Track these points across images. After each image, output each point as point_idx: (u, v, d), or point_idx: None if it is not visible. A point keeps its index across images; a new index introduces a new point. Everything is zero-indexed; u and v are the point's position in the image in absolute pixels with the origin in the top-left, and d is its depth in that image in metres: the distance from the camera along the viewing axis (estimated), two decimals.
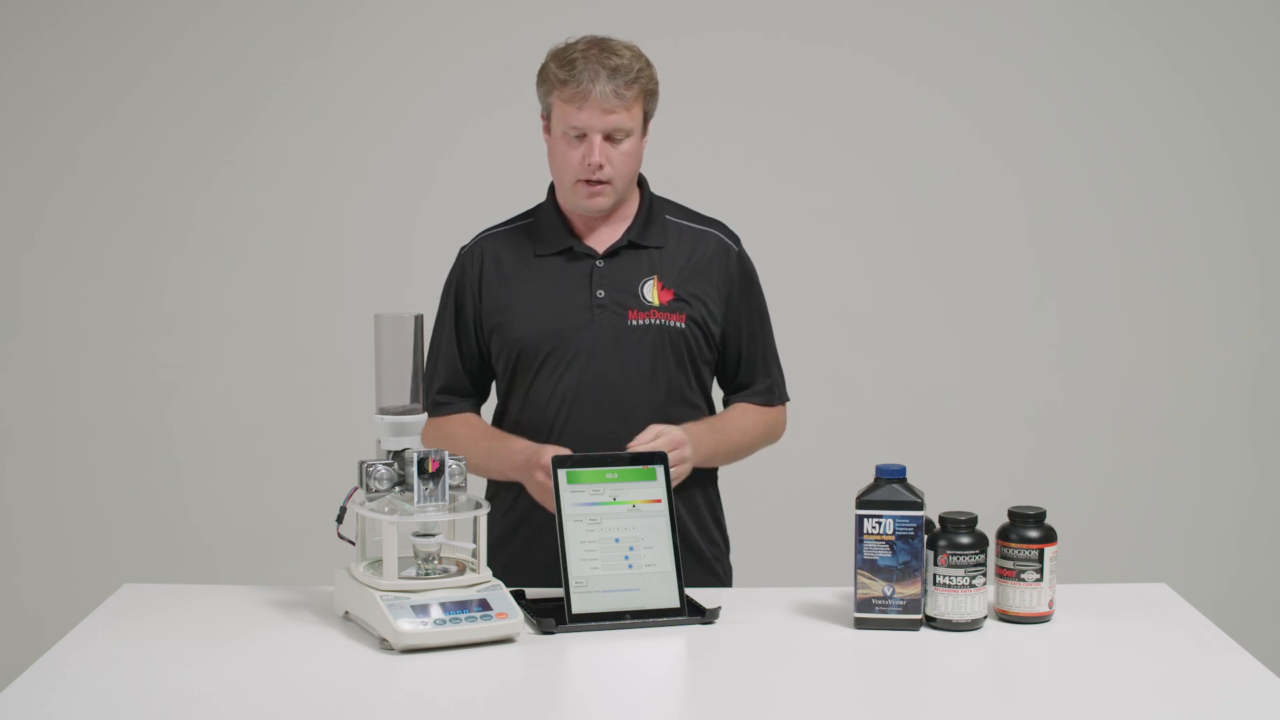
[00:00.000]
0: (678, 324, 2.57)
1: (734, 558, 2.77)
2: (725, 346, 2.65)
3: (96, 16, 4.19)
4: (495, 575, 2.60)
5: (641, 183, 2.66)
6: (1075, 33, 4.23)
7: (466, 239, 2.72)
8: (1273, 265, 4.28)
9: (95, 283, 4.24)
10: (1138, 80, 4.23)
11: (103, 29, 4.19)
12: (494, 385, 2.71)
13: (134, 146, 4.22)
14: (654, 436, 2.45)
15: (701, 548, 2.65)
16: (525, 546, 2.58)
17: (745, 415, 2.67)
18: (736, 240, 2.68)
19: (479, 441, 2.61)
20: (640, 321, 2.57)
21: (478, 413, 2.71)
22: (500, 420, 2.67)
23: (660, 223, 2.63)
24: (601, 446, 2.46)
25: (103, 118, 4.21)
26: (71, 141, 4.22)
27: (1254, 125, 4.25)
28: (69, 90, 4.20)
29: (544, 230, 2.63)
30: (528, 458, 2.48)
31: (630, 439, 2.47)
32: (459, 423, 2.66)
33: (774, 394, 2.71)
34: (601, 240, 2.61)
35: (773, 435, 2.73)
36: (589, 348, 2.56)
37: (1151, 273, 4.27)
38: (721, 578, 2.71)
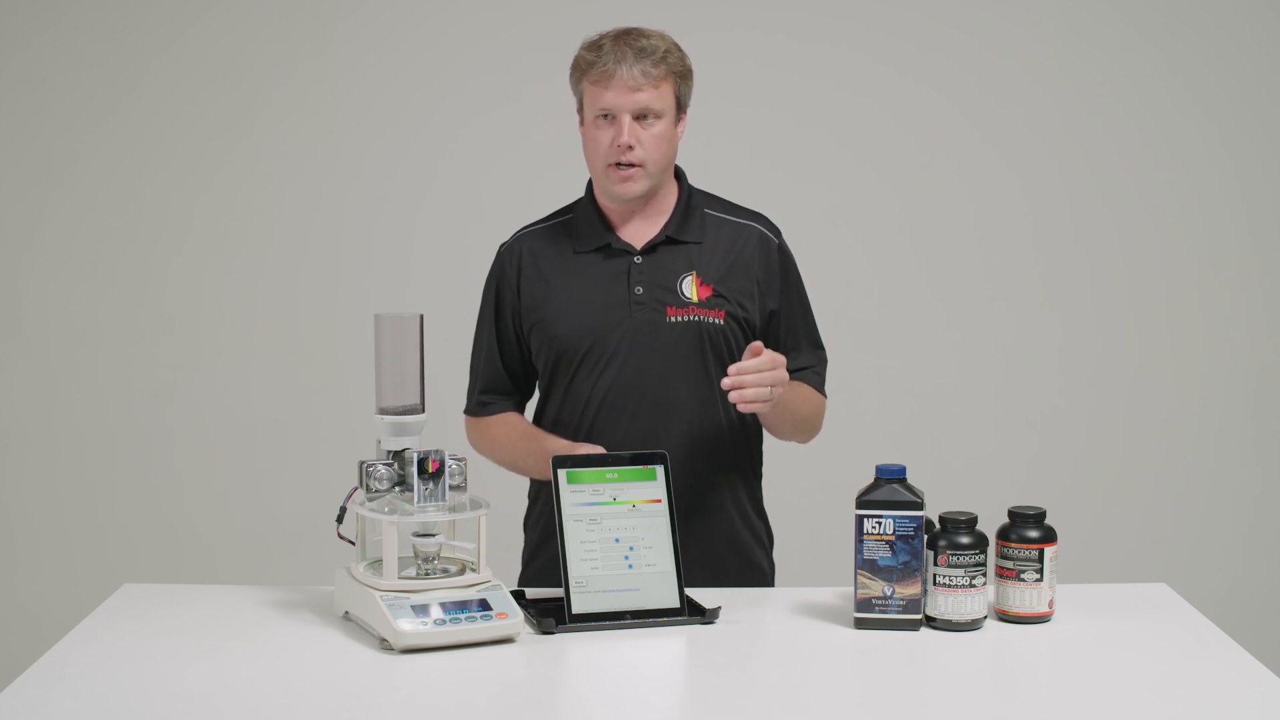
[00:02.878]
0: (716, 321, 2.55)
1: None
2: (768, 340, 2.60)
3: (96, 16, 4.19)
4: (533, 577, 2.65)
5: (680, 176, 2.65)
6: (1074, 33, 4.23)
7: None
8: (1274, 265, 4.28)
9: (95, 283, 4.24)
10: (1137, 81, 4.23)
11: (103, 29, 4.19)
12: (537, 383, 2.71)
13: (134, 147, 4.22)
14: (762, 353, 2.38)
15: (746, 544, 2.65)
16: (554, 561, 2.54)
17: (802, 387, 2.62)
18: (778, 233, 2.65)
19: (518, 441, 2.62)
20: (679, 318, 2.55)
21: (521, 411, 2.71)
22: (540, 418, 2.67)
23: (699, 217, 2.61)
24: (640, 444, 2.46)
25: (103, 118, 4.21)
26: (71, 142, 4.22)
27: (1254, 125, 4.25)
28: (69, 90, 4.20)
29: (581, 226, 2.62)
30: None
31: (669, 437, 2.50)
32: (500, 423, 2.67)
33: (822, 380, 2.68)
34: (639, 235, 2.59)
35: (815, 423, 2.68)
36: (628, 345, 2.55)
37: (1153, 274, 4.27)
38: (767, 573, 2.70)
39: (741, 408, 2.39)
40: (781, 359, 2.42)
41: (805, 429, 2.66)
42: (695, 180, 2.69)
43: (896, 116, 4.23)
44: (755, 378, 2.37)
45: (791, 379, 2.60)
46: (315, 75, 4.22)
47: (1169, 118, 4.24)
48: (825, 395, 2.69)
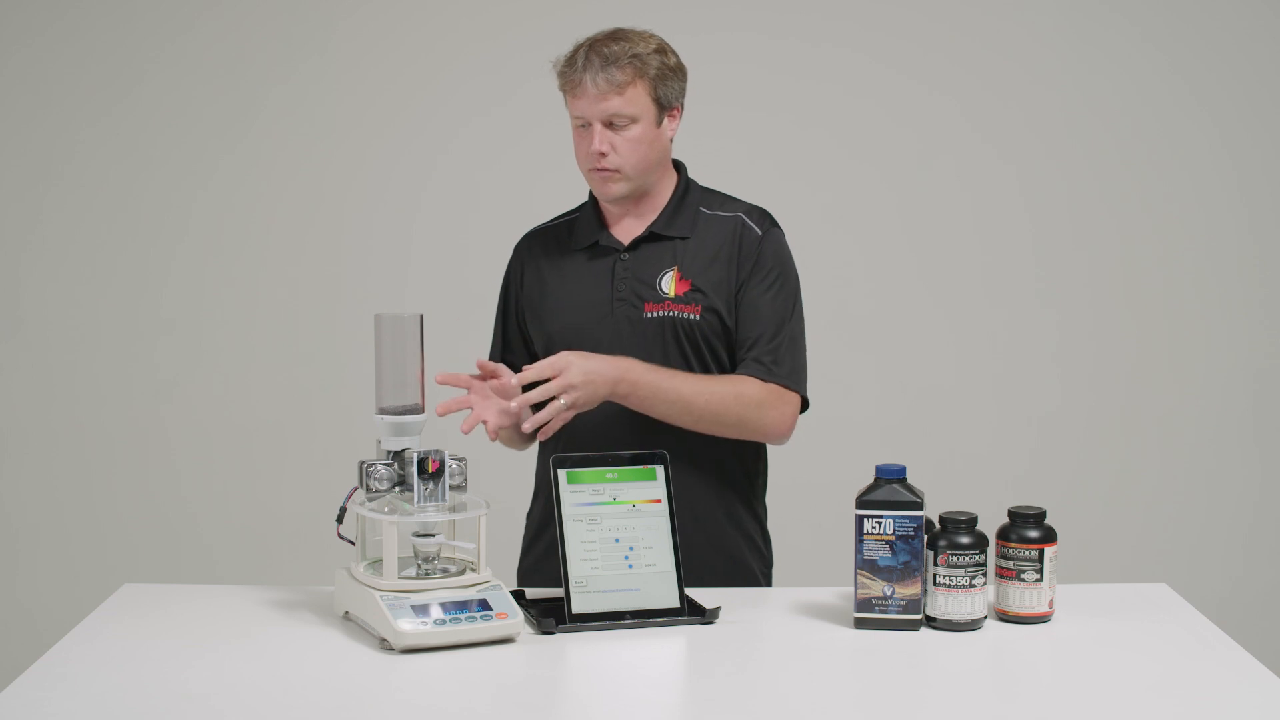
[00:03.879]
0: (691, 315, 2.55)
1: None
2: (738, 326, 2.57)
3: (96, 15, 4.19)
4: (530, 568, 2.66)
5: (680, 169, 2.66)
6: (1076, 33, 4.23)
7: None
8: (1274, 265, 4.28)
9: (94, 283, 4.24)
10: (1138, 81, 4.24)
11: (102, 28, 4.20)
12: None
13: (133, 146, 4.22)
14: (550, 366, 2.40)
15: (733, 543, 2.63)
16: (552, 547, 2.53)
17: (717, 380, 2.52)
18: (767, 225, 2.60)
19: None
20: (655, 314, 2.56)
21: None
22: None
23: (690, 213, 2.61)
24: (620, 437, 2.48)
25: (102, 117, 4.21)
26: (70, 140, 4.22)
27: (1255, 125, 4.25)
28: (68, 89, 4.20)
29: (580, 224, 2.67)
30: None
31: (653, 432, 2.48)
32: None
33: (769, 370, 2.53)
34: (628, 232, 2.62)
35: (757, 417, 2.53)
36: (609, 341, 2.55)
37: (1152, 273, 4.27)
38: (759, 575, 2.69)
39: (526, 426, 2.42)
40: (562, 365, 2.40)
41: (721, 418, 2.51)
42: (698, 179, 2.68)
43: (896, 116, 4.23)
44: (541, 391, 2.39)
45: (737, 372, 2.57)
46: (314, 75, 4.22)
47: (1169, 118, 4.25)
48: (790, 386, 2.55)
